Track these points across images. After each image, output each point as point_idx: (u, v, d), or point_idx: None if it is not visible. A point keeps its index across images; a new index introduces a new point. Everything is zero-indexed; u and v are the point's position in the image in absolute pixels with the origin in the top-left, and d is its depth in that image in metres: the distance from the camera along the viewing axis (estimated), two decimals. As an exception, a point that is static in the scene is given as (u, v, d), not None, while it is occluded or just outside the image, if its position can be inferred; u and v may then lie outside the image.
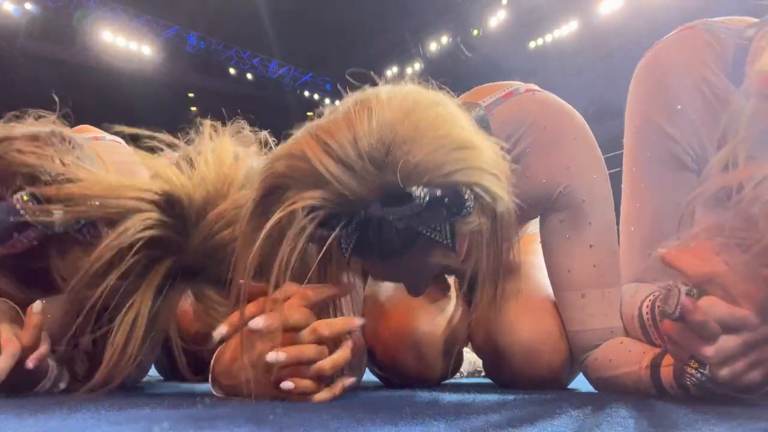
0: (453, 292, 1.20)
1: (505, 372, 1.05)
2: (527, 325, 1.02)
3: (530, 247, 1.22)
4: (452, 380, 1.49)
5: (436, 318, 1.11)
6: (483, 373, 1.56)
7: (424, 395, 0.92)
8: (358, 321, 0.78)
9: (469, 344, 1.31)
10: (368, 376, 1.21)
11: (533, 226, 1.26)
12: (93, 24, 9.89)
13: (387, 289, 1.21)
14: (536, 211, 1.01)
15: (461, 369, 1.56)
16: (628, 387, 0.87)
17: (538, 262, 1.16)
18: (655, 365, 0.81)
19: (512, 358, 1.03)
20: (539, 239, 1.05)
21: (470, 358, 1.72)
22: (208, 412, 0.70)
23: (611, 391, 0.92)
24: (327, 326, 0.74)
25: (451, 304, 1.16)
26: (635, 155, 0.97)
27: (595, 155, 0.98)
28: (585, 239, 0.95)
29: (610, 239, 0.96)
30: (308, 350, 0.73)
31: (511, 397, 0.88)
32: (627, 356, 0.88)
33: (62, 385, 1.15)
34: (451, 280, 1.26)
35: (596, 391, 1.04)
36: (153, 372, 1.48)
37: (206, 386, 0.89)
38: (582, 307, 0.96)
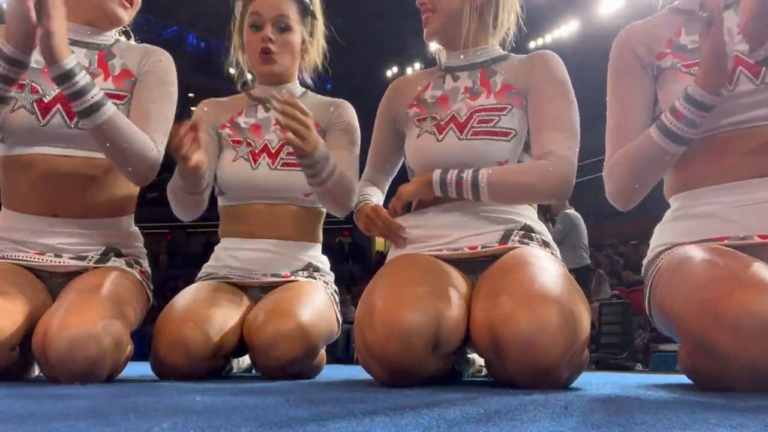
0: (453, 291, 1.20)
1: (505, 365, 1.06)
2: (525, 316, 1.03)
3: (531, 252, 1.24)
4: (472, 378, 1.49)
5: (428, 311, 1.11)
6: (484, 373, 1.56)
7: (424, 395, 0.92)
8: None
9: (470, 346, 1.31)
10: (368, 376, 1.21)
11: (533, 245, 1.31)
12: (93, 24, 9.86)
13: (385, 283, 1.21)
14: None
15: (479, 364, 1.54)
16: (644, 155, 1.20)
17: (538, 262, 1.18)
18: (659, 123, 1.16)
19: (511, 349, 1.03)
20: (536, 253, 1.23)
21: (471, 358, 1.72)
22: (207, 412, 0.70)
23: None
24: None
25: (450, 301, 1.16)
26: (609, 80, 1.34)
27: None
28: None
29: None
30: None
31: (512, 397, 0.88)
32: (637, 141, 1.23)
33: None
34: (458, 277, 1.26)
35: (599, 392, 1.04)
36: (151, 372, 1.48)
37: (206, 386, 0.89)
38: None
